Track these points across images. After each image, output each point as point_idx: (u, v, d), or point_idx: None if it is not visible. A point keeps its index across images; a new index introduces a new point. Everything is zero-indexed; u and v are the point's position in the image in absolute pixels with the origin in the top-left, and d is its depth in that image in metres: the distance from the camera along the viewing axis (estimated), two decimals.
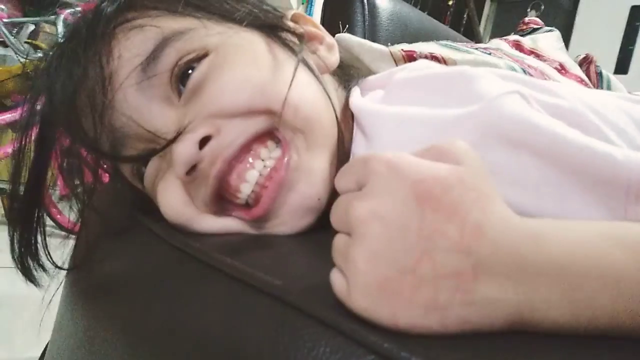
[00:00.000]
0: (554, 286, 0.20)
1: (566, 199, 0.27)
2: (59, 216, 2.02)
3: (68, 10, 1.78)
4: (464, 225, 0.21)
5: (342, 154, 0.39)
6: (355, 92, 0.43)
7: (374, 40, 0.85)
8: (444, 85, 0.35)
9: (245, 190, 0.36)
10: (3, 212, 1.93)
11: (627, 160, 0.26)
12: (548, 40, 0.99)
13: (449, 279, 0.20)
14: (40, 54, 1.71)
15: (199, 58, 0.36)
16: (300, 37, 0.43)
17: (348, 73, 0.48)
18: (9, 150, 1.69)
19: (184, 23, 0.37)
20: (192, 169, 0.34)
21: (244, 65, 0.37)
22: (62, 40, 0.39)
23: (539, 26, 1.04)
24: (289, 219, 0.37)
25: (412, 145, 0.32)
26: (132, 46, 0.36)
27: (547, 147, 0.28)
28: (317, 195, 0.36)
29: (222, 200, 0.37)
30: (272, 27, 0.41)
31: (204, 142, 0.34)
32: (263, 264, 0.28)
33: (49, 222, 2.01)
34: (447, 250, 0.21)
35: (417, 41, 0.83)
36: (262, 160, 0.36)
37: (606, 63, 2.95)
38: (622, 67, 2.91)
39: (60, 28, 1.78)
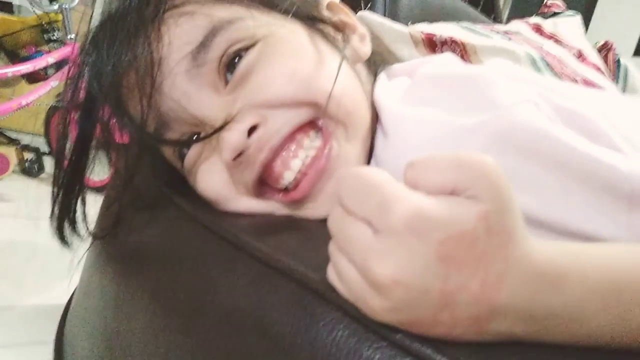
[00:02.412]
0: (560, 325, 0.22)
1: (572, 206, 0.29)
2: None
3: None
4: (486, 278, 0.21)
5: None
6: (381, 81, 0.44)
7: (394, 17, 0.85)
8: (463, 87, 0.36)
9: (288, 177, 0.37)
10: (16, 162, 1.96)
11: (630, 171, 0.28)
12: (569, 25, 0.98)
13: (465, 322, 0.22)
14: (55, 6, 1.70)
15: (247, 47, 0.38)
16: (341, 31, 0.44)
17: (375, 60, 0.49)
18: (23, 102, 1.71)
19: (232, 11, 0.38)
20: (238, 155, 0.36)
21: (290, 58, 0.38)
22: (110, 17, 0.39)
23: (561, 10, 1.03)
24: (324, 204, 0.38)
25: (427, 148, 0.34)
26: (182, 33, 0.37)
27: (556, 156, 0.29)
28: None
29: (261, 184, 0.39)
30: (313, 18, 0.42)
31: (251, 130, 0.36)
32: (288, 249, 0.30)
33: None
34: (467, 303, 0.21)
35: (437, 19, 0.83)
36: (305, 149, 0.38)
37: (626, 44, 2.89)
38: None
39: None
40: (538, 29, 0.97)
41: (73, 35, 1.75)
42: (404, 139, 0.36)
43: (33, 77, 1.83)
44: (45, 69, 1.79)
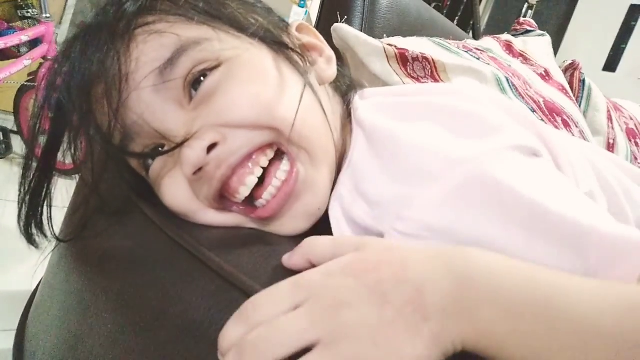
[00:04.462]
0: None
1: (533, 245, 0.31)
2: (38, 150, 2.02)
3: None
4: None
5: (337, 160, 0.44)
6: (358, 102, 0.46)
7: (371, 28, 0.87)
8: (456, 117, 0.38)
9: (243, 192, 0.40)
10: None
11: (591, 225, 0.30)
12: (538, 44, 1.02)
13: None
14: None
15: (212, 68, 0.39)
16: (308, 52, 0.46)
17: (343, 81, 0.50)
18: None
19: (200, 32, 0.40)
20: (198, 170, 0.38)
21: (254, 82, 0.40)
22: (84, 29, 0.41)
23: (532, 28, 1.07)
24: (289, 223, 0.41)
25: (415, 171, 0.36)
26: (150, 51, 0.39)
27: (524, 215, 0.31)
28: (319, 205, 0.41)
29: (222, 197, 0.41)
30: (280, 44, 0.44)
31: (210, 147, 0.38)
32: (247, 266, 0.32)
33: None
34: None
35: (414, 31, 0.86)
36: (260, 166, 0.40)
37: (597, 58, 2.98)
38: (611, 64, 2.94)
39: None
40: (508, 47, 1.01)
41: (49, 15, 1.72)
42: (403, 164, 0.37)
43: (4, 54, 1.78)
44: (18, 46, 1.75)
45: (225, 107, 0.39)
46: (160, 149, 0.41)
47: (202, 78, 0.39)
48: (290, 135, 0.39)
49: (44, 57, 1.77)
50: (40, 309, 0.50)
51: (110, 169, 0.40)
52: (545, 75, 0.99)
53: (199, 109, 0.40)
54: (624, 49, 2.83)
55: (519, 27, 1.09)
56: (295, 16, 2.10)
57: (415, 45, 0.74)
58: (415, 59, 0.70)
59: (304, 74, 0.43)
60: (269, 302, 0.27)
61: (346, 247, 0.30)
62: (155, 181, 0.42)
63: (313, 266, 0.30)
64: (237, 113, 0.39)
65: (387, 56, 0.70)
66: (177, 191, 0.40)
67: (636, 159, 1.15)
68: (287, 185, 0.40)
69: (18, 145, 2.03)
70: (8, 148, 1.94)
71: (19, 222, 0.42)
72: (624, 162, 0.49)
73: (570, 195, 0.34)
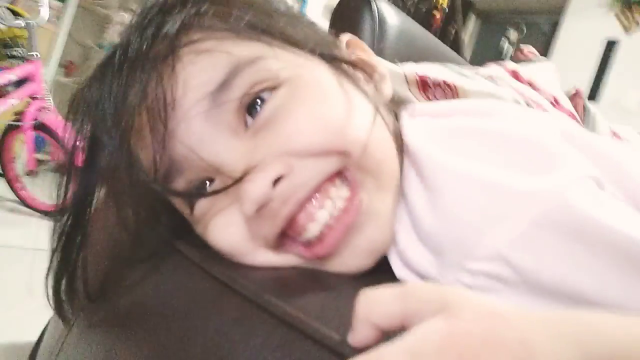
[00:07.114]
0: None
1: (631, 288, 0.27)
2: (22, 191, 1.95)
3: None
4: None
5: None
6: (407, 121, 0.41)
7: (380, 54, 0.86)
8: (518, 149, 0.33)
9: (312, 229, 0.34)
10: None
11: None
12: (544, 72, 1.01)
13: None
14: (20, 21, 1.63)
15: (270, 88, 0.35)
16: (363, 71, 0.42)
17: (394, 100, 0.46)
18: None
19: (254, 49, 0.35)
20: (261, 207, 0.33)
21: (321, 103, 0.35)
22: (117, 50, 0.35)
23: (536, 57, 1.07)
24: (351, 260, 0.36)
25: (475, 210, 0.31)
26: (200, 72, 0.34)
27: (610, 245, 0.27)
28: (384, 238, 0.36)
29: (281, 235, 0.35)
30: (337, 59, 0.40)
31: (276, 180, 0.33)
32: (316, 311, 0.27)
33: (11, 197, 1.93)
34: None
35: (422, 59, 0.84)
36: (332, 199, 0.35)
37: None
38: (593, 95, 3.02)
39: None
40: (515, 74, 1.00)
41: (38, 53, 1.68)
42: (453, 199, 0.32)
43: None
44: (5, 85, 1.71)
45: (291, 133, 0.34)
46: (208, 182, 0.36)
47: (258, 101, 0.35)
48: (360, 158, 0.34)
49: (31, 96, 1.73)
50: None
51: (145, 211, 0.35)
52: (555, 103, 0.98)
53: (258, 137, 0.35)
54: (602, 80, 2.92)
55: (522, 57, 1.09)
56: None
57: (433, 71, 0.72)
58: (437, 85, 0.68)
59: (368, 91, 0.39)
60: None
61: (423, 305, 0.22)
62: (201, 220, 0.36)
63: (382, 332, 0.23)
64: (306, 139, 0.34)
65: (408, 82, 0.67)
66: (230, 230, 0.35)
67: None
68: (347, 216, 0.34)
69: (2, 188, 1.95)
70: None
71: (46, 295, 0.36)
72: None
73: None
